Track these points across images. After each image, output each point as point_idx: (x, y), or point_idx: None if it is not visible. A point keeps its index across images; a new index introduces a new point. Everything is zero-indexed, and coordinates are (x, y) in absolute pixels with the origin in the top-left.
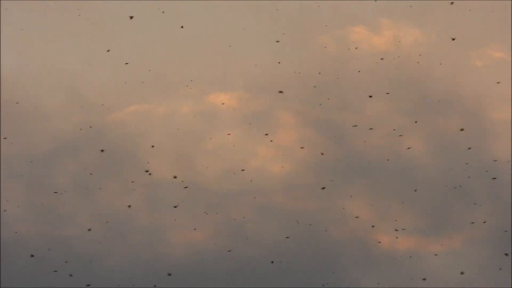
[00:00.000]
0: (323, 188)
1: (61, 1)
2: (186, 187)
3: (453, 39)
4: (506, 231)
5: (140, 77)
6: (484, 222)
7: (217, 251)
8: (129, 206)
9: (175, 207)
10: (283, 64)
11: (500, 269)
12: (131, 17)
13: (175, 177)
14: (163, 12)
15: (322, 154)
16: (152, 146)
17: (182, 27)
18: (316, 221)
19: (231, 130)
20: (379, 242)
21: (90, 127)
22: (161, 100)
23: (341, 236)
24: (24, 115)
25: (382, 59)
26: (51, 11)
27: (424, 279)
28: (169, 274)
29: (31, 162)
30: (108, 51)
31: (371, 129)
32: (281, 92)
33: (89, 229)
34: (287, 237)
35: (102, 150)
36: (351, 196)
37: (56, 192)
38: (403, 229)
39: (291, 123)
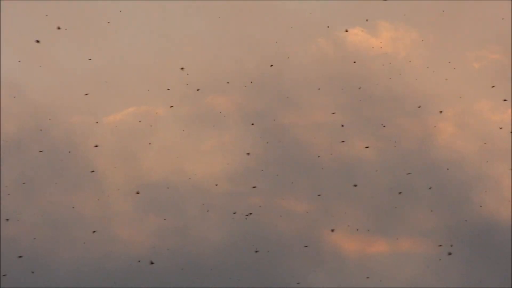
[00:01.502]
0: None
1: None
2: (133, 188)
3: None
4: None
5: (86, 80)
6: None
7: (161, 249)
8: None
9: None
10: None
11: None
12: (37, 41)
13: (137, 192)
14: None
15: (248, 154)
16: (96, 146)
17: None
18: (261, 219)
19: (176, 129)
20: (326, 241)
21: (39, 129)
22: (107, 102)
23: (286, 235)
24: None
25: (326, 60)
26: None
27: (368, 278)
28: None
29: None
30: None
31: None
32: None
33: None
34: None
35: (40, 151)
36: (296, 195)
37: None
38: (349, 226)
39: (234, 121)
